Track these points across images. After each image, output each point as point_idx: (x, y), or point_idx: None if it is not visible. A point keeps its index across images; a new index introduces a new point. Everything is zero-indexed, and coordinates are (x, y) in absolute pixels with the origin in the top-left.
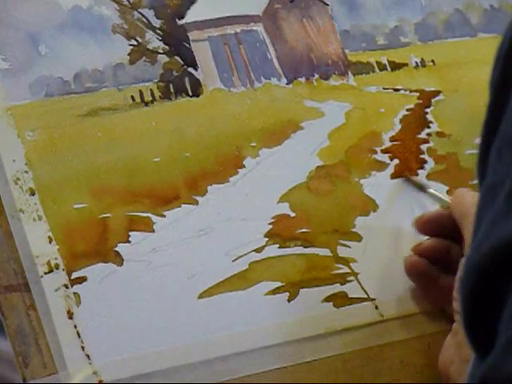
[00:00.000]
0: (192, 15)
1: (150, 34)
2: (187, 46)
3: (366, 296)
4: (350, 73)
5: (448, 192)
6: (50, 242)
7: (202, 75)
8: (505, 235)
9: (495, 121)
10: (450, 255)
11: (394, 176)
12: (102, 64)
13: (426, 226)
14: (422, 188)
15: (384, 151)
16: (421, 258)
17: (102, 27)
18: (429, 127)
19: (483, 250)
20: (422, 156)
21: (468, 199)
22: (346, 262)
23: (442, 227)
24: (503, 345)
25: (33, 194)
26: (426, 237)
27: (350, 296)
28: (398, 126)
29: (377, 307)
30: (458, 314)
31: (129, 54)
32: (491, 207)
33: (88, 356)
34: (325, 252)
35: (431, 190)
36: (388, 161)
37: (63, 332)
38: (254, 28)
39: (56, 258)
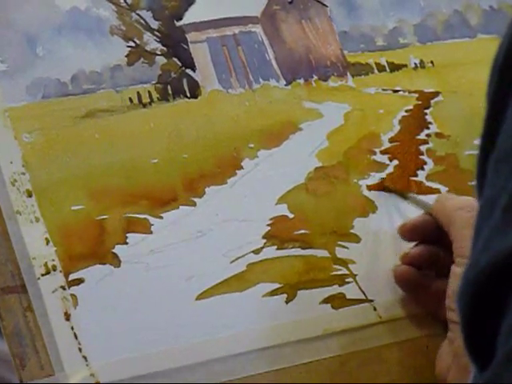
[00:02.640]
0: (190, 16)
1: (147, 36)
2: (185, 47)
3: (364, 297)
4: (348, 74)
5: (448, 193)
6: (47, 244)
7: (200, 77)
8: (501, 250)
9: (493, 133)
10: (439, 260)
11: (370, 188)
12: (99, 65)
13: (411, 232)
14: (402, 195)
15: (383, 152)
16: (409, 266)
17: (99, 29)
18: (428, 128)
19: (480, 264)
20: (421, 157)
21: (451, 203)
22: (344, 263)
23: (427, 233)
24: (500, 360)
25: (30, 195)
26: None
27: (348, 297)
28: (397, 127)
29: (375, 309)
30: (452, 324)
31: (127, 56)
32: (488, 221)
33: (85, 357)
34: (323, 253)
35: (412, 196)
36: (387, 162)
37: (60, 333)
38: (253, 29)
39: (53, 260)
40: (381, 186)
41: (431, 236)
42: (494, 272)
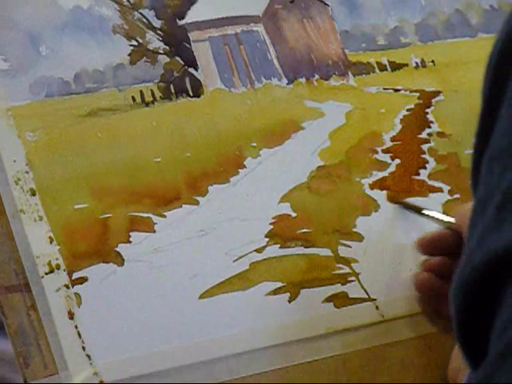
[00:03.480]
0: (192, 15)
1: (150, 35)
2: (188, 46)
3: (366, 296)
4: (350, 73)
5: (449, 192)
6: (51, 243)
7: (203, 75)
8: (495, 248)
9: (487, 131)
10: None
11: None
12: (102, 64)
13: (430, 246)
14: (418, 210)
15: (385, 151)
16: (430, 273)
17: (102, 27)
18: (429, 127)
19: (474, 262)
20: (423, 156)
21: (467, 206)
22: (346, 262)
23: (445, 246)
24: (493, 358)
25: (33, 194)
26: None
27: (350, 296)
28: (399, 126)
29: (377, 307)
30: None
31: (129, 55)
32: (482, 219)
33: (89, 356)
34: (326, 252)
35: (427, 212)
36: (389, 160)
37: (64, 332)
38: (255, 28)
39: (57, 259)
40: (394, 199)
41: (449, 250)
42: (487, 270)
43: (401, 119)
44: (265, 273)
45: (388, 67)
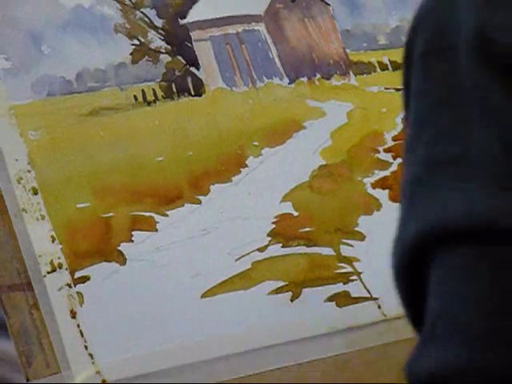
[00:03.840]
0: (194, 15)
1: (152, 34)
2: (189, 45)
3: (368, 295)
4: (351, 72)
5: None
6: (53, 242)
7: (204, 75)
8: (413, 233)
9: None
10: None
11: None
12: (104, 63)
13: None
14: None
15: (387, 150)
16: None
17: (104, 27)
18: None
19: (404, 247)
20: None
21: None
22: (349, 261)
23: None
24: (419, 341)
25: (36, 193)
26: None
27: (352, 295)
28: (400, 126)
29: (380, 306)
30: None
31: (131, 54)
32: (402, 200)
33: (91, 355)
34: (328, 251)
35: None
36: (391, 160)
37: (66, 331)
38: (256, 28)
39: (59, 258)
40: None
41: None
42: (413, 253)
43: (402, 118)
44: (267, 272)
45: (389, 66)
